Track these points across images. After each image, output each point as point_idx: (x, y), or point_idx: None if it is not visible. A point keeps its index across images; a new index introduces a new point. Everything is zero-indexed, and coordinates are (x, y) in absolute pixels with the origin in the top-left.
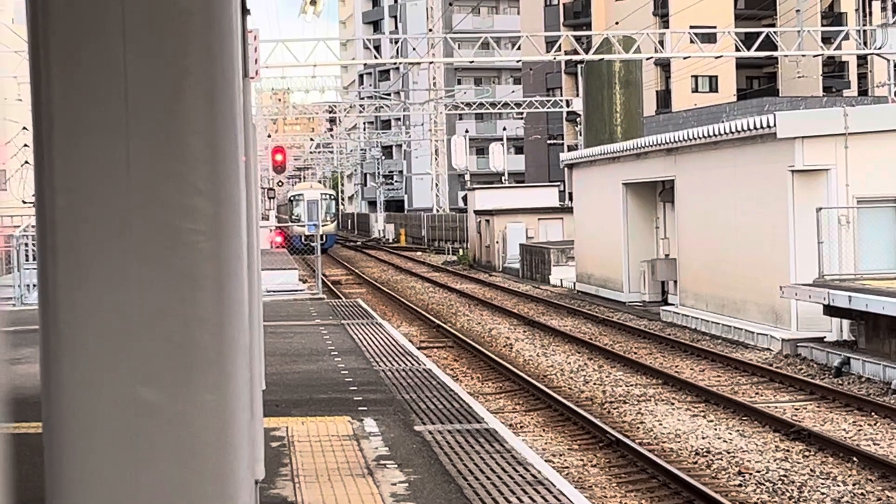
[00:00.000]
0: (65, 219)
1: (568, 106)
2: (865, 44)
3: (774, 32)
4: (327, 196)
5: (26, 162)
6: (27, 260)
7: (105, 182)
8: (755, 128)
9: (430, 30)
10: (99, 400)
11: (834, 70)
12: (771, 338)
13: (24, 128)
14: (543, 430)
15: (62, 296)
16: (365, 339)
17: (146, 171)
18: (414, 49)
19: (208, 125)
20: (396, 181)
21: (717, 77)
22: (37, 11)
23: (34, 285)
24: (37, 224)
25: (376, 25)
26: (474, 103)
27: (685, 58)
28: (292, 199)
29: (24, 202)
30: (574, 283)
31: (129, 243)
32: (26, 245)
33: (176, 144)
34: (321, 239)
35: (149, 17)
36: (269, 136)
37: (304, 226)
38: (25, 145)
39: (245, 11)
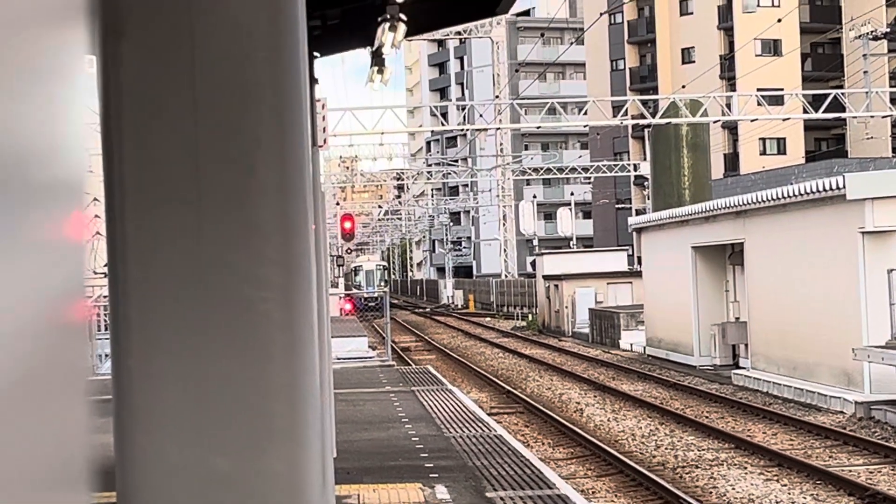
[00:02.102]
0: (137, 289)
1: (635, 170)
2: None
3: (842, 94)
4: (381, 267)
5: (97, 233)
6: (99, 330)
7: (177, 252)
8: (824, 189)
9: (497, 96)
10: (171, 469)
11: None
12: (844, 400)
13: (95, 199)
14: (616, 496)
15: (135, 366)
16: (435, 405)
17: (218, 241)
18: (481, 115)
19: (279, 195)
20: (464, 247)
21: (784, 139)
22: (108, 84)
23: (106, 355)
24: (109, 294)
25: (443, 93)
26: (541, 168)
27: (753, 120)
28: (354, 269)
29: (96, 272)
30: (644, 348)
31: (202, 313)
32: (98, 315)
33: (247, 215)
34: (376, 300)
35: (219, 90)
36: (338, 203)
37: (363, 290)
38: (97, 216)
39: (313, 81)
